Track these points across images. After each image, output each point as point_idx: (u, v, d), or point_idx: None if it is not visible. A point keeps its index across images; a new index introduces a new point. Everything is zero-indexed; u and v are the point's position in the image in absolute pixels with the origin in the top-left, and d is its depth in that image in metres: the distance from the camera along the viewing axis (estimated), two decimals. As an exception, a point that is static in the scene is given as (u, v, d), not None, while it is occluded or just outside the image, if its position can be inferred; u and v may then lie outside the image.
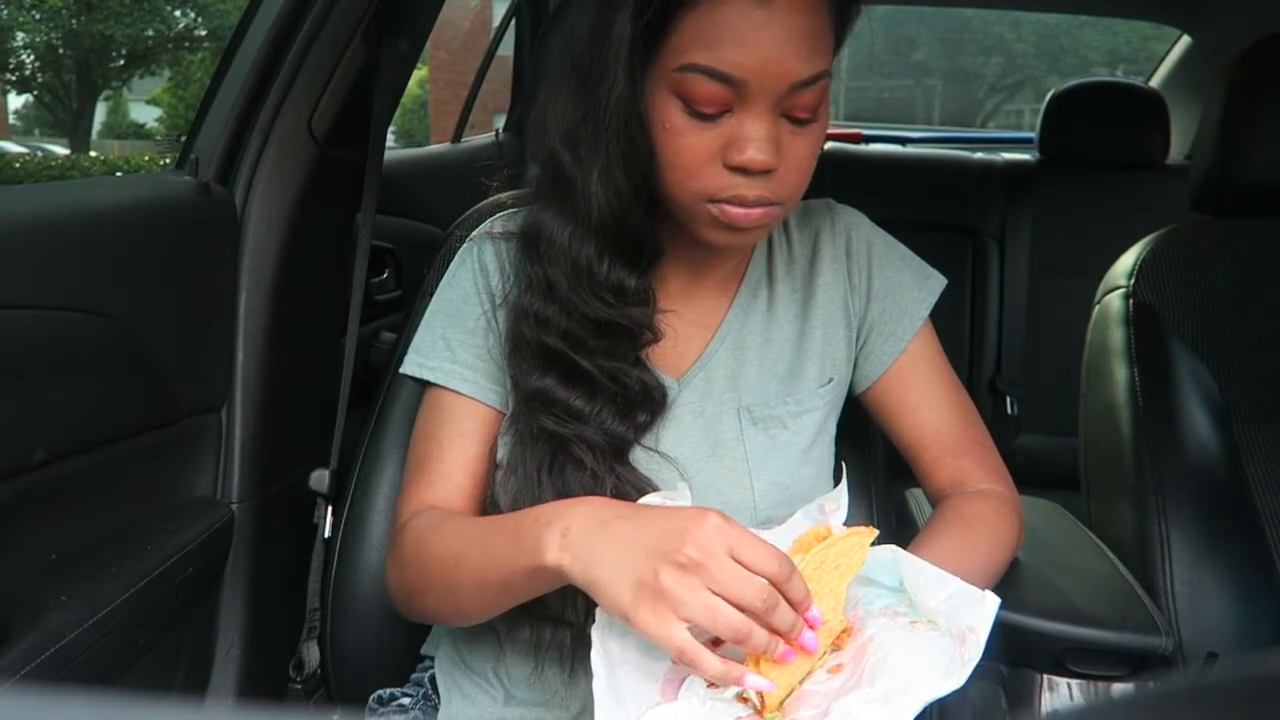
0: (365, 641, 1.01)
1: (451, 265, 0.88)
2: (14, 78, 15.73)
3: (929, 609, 0.65)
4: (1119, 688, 0.85)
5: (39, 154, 12.48)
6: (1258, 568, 1.02)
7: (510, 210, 0.90)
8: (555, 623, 0.80)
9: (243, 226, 1.11)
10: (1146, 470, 1.07)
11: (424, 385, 0.86)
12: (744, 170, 0.71)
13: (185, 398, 1.06)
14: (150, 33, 15.54)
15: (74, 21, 15.13)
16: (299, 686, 1.06)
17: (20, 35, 15.31)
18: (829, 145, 2.38)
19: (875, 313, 0.88)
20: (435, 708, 0.90)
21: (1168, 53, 2.61)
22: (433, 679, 0.92)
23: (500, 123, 2.57)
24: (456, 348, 0.84)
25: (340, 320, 1.21)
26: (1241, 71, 1.16)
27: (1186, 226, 1.23)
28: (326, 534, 1.07)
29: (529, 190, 0.84)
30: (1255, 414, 1.07)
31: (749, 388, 0.85)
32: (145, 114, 18.68)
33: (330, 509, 1.08)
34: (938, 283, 0.90)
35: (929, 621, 0.65)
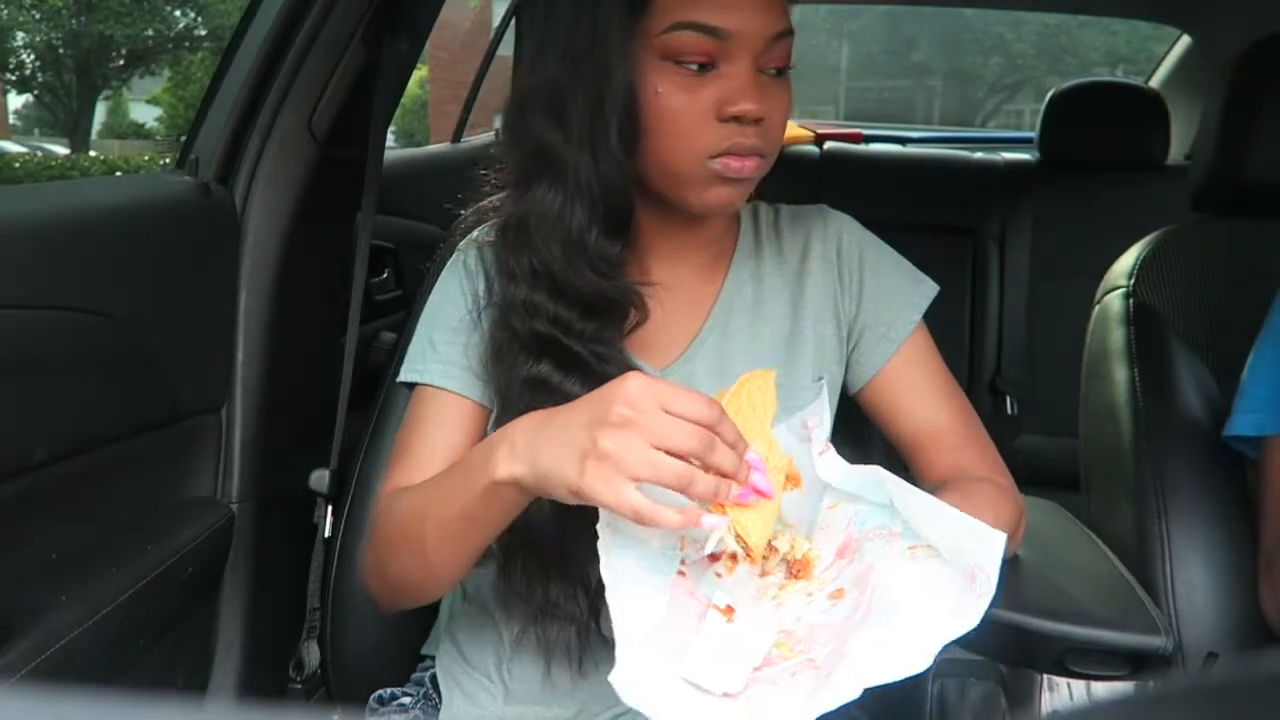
0: (365, 641, 1.02)
1: (441, 274, 0.90)
2: (14, 78, 15.72)
3: (929, 538, 0.64)
4: (1119, 687, 0.85)
5: (39, 154, 12.48)
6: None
7: (491, 219, 0.91)
8: (561, 620, 0.81)
9: (243, 226, 1.11)
10: (1146, 470, 1.07)
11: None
12: (738, 120, 0.75)
13: (185, 398, 1.06)
14: (150, 33, 15.54)
15: (74, 21, 15.13)
16: (299, 686, 1.06)
17: (20, 35, 15.31)
18: (828, 145, 2.38)
19: (866, 315, 0.88)
20: (435, 707, 0.90)
21: (1168, 53, 2.61)
22: (433, 678, 0.92)
23: (500, 123, 2.57)
24: (440, 346, 0.85)
25: (340, 320, 1.21)
26: (1241, 71, 1.16)
27: (1186, 226, 1.23)
28: (326, 534, 1.07)
29: (506, 188, 0.86)
30: (1255, 414, 1.07)
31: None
32: (145, 114, 18.68)
33: (330, 509, 1.08)
34: (930, 288, 0.91)
35: (928, 546, 0.64)
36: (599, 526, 0.65)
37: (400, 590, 0.82)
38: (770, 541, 0.67)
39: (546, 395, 0.78)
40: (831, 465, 0.70)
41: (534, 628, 0.82)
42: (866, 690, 0.56)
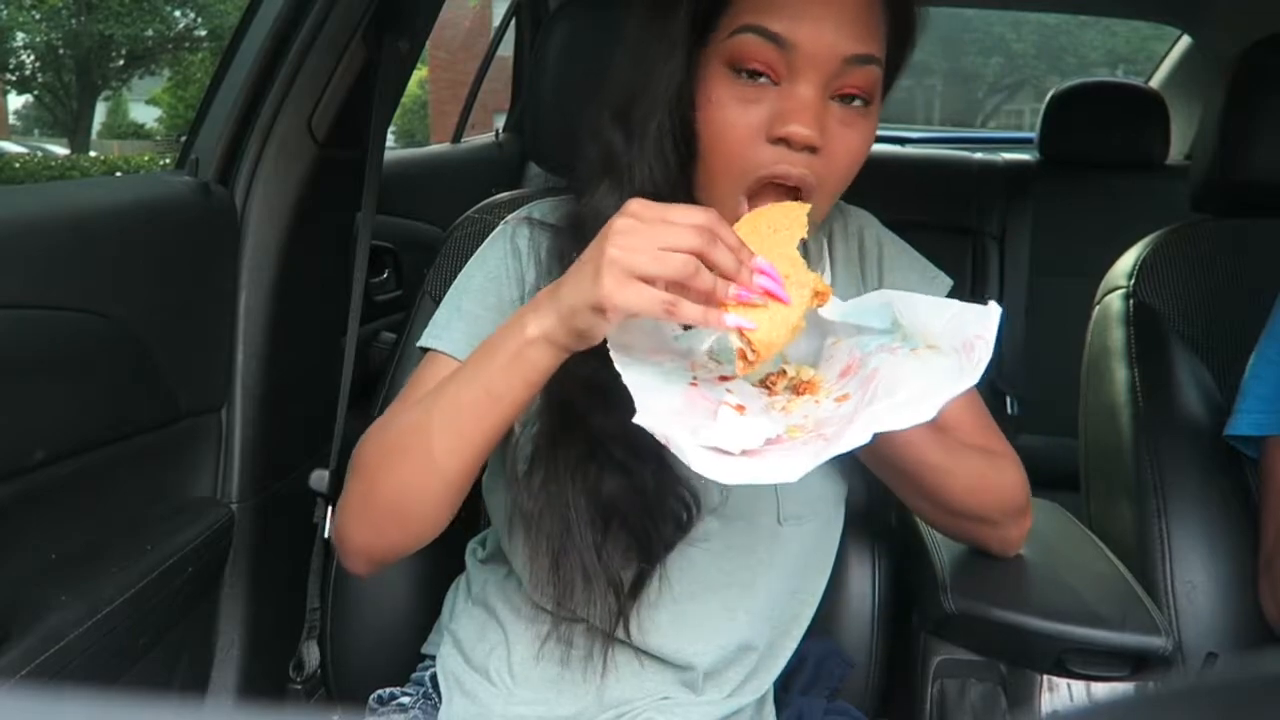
0: (365, 641, 1.01)
1: (483, 245, 0.87)
2: (14, 78, 15.74)
3: (930, 334, 0.66)
4: (1119, 687, 0.85)
5: (39, 154, 12.49)
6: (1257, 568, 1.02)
7: (550, 199, 0.89)
8: (584, 625, 0.81)
9: (243, 226, 1.11)
10: (1146, 470, 1.07)
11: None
12: (787, 143, 0.72)
13: (185, 398, 1.06)
14: (150, 33, 15.55)
15: (74, 21, 15.14)
16: (299, 686, 1.06)
17: (20, 35, 15.32)
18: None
19: None
20: (435, 707, 0.90)
21: (1168, 53, 2.61)
22: (433, 678, 0.92)
23: (500, 123, 2.57)
24: (470, 319, 0.82)
25: (340, 320, 1.21)
26: (1241, 71, 1.16)
27: (1186, 226, 1.23)
28: (326, 534, 1.07)
29: (571, 182, 0.85)
30: (1255, 414, 1.07)
31: None
32: (145, 114, 18.69)
33: (330, 509, 1.08)
34: (944, 283, 0.91)
35: (929, 347, 0.66)
36: (610, 349, 0.66)
37: (391, 518, 0.75)
38: (781, 368, 0.70)
39: (600, 398, 0.74)
40: (833, 305, 0.71)
41: (554, 630, 0.82)
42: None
